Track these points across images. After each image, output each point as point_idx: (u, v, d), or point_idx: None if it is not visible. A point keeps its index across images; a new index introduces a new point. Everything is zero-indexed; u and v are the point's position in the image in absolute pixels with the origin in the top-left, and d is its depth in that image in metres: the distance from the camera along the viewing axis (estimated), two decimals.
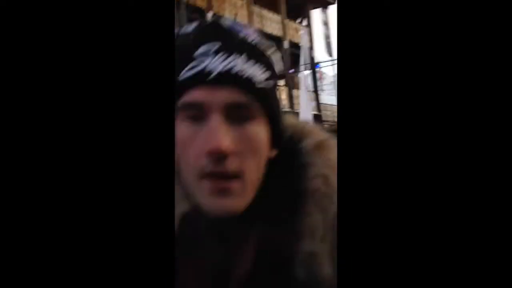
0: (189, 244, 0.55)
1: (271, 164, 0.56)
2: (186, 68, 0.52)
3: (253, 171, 0.53)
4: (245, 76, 0.53)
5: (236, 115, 0.52)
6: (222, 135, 0.50)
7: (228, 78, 0.52)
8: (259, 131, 0.54)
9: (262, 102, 0.54)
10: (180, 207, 0.55)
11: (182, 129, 0.53)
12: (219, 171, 0.51)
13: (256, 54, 0.55)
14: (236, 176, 0.52)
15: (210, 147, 0.50)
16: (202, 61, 0.51)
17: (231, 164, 0.51)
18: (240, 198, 0.53)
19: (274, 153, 0.57)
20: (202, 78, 0.51)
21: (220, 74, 0.51)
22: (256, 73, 0.54)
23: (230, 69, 0.52)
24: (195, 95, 0.52)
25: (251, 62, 0.54)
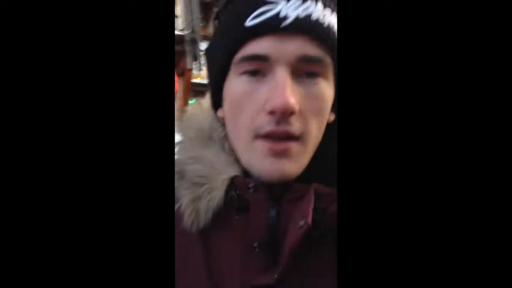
0: (236, 209, 0.50)
1: (327, 128, 0.51)
2: (254, 14, 0.46)
3: (314, 134, 0.48)
4: (325, 25, 0.46)
5: (304, 71, 0.47)
6: (289, 91, 0.44)
7: (306, 25, 0.45)
8: (327, 91, 0.48)
9: (335, 57, 0.48)
10: (228, 172, 0.50)
11: (238, 85, 0.48)
12: (281, 131, 0.46)
13: (332, 3, 0.48)
14: (298, 138, 0.47)
15: (275, 104, 0.44)
16: (275, 6, 0.45)
17: (295, 124, 0.46)
18: (297, 162, 0.48)
19: (332, 118, 0.52)
20: (274, 24, 0.45)
21: (298, 19, 0.45)
22: (335, 23, 0.47)
23: (309, 15, 0.45)
24: (262, 45, 0.46)
25: (327, 10, 0.47)
